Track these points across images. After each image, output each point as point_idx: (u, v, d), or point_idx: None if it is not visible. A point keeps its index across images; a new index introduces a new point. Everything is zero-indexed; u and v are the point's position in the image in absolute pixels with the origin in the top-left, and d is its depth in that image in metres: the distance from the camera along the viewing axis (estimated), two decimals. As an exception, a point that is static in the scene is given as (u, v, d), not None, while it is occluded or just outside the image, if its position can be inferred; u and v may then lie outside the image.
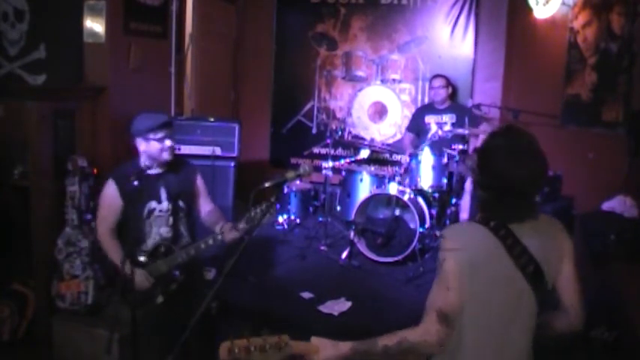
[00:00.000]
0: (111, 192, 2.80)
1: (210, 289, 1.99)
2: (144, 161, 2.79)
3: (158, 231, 2.83)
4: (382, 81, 5.82)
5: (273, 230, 5.11)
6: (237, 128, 4.59)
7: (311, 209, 5.44)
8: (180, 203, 2.89)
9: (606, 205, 3.38)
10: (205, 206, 3.00)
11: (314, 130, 6.11)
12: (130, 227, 2.81)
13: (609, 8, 3.87)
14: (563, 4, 4.41)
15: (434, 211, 4.74)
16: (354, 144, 5.65)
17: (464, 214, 4.69)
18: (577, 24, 4.31)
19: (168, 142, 2.74)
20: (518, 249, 1.63)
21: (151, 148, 2.74)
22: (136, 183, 2.61)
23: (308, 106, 6.11)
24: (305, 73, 6.06)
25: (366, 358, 1.62)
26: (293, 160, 6.13)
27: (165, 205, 2.83)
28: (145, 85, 4.65)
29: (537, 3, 4.63)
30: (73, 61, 4.18)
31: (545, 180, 1.68)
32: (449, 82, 5.12)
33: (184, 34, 5.35)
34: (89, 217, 3.67)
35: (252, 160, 5.88)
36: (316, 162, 5.77)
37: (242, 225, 2.61)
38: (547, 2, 4.50)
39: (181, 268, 2.79)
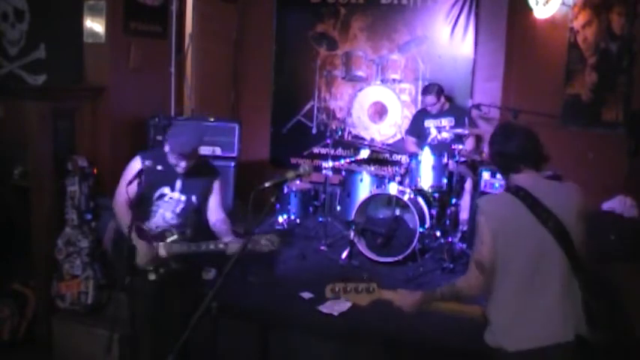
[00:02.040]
0: (134, 166, 2.99)
1: (210, 289, 2.00)
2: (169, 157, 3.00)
3: (163, 214, 3.02)
4: (382, 81, 5.82)
5: (273, 230, 5.11)
6: (237, 128, 4.59)
7: (311, 209, 5.43)
8: (194, 199, 3.06)
9: (606, 205, 3.37)
10: (215, 213, 3.12)
11: (314, 130, 6.10)
12: (139, 203, 2.99)
13: (609, 8, 3.88)
14: (563, 4, 4.41)
15: (434, 211, 4.73)
16: (354, 144, 5.65)
17: (464, 214, 4.69)
18: (577, 24, 4.32)
19: (183, 164, 2.95)
20: (538, 208, 2.05)
21: (171, 159, 2.97)
22: (159, 167, 2.92)
23: (308, 106, 6.11)
24: (305, 73, 6.06)
25: (431, 303, 2.21)
26: (293, 160, 6.13)
27: (177, 194, 3.03)
28: (145, 85, 4.65)
29: (537, 3, 4.63)
30: (73, 61, 4.18)
31: (536, 150, 2.16)
32: (441, 91, 5.03)
33: (184, 34, 5.35)
34: (89, 217, 3.68)
35: (252, 160, 5.88)
36: (316, 162, 5.77)
37: (247, 244, 2.73)
38: (547, 2, 4.50)
39: (178, 260, 2.92)
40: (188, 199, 3.05)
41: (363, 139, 5.73)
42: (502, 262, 2.06)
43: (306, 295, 3.73)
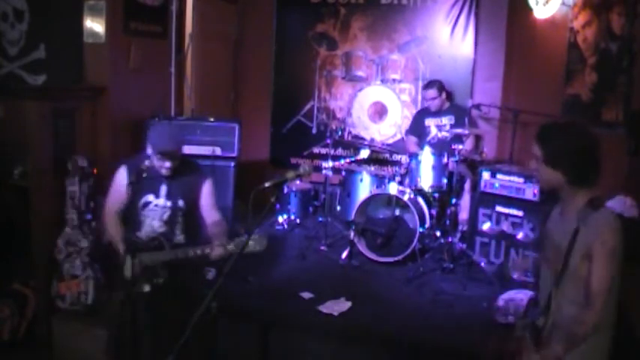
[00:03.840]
0: (120, 178, 2.99)
1: (210, 289, 2.00)
2: (151, 161, 2.93)
3: (151, 223, 2.97)
4: (382, 81, 5.82)
5: (273, 230, 5.11)
6: (237, 128, 4.59)
7: (311, 209, 5.44)
8: (180, 203, 2.98)
9: (606, 205, 3.37)
10: (209, 215, 3.05)
11: (314, 130, 6.11)
12: (128, 213, 2.98)
13: (609, 8, 3.87)
14: (563, 4, 4.40)
15: (434, 211, 4.73)
16: (354, 144, 5.65)
17: (464, 214, 4.69)
18: (577, 24, 4.31)
19: (167, 164, 2.89)
20: None
21: (154, 161, 2.91)
22: (143, 175, 2.85)
23: (308, 106, 6.11)
24: (305, 73, 6.06)
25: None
26: (293, 160, 6.13)
27: (162, 201, 2.97)
28: (145, 85, 4.65)
29: (537, 3, 4.63)
30: (73, 61, 4.18)
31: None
32: (442, 88, 5.07)
33: (184, 34, 5.35)
34: (89, 217, 3.67)
35: (252, 160, 5.88)
36: (316, 162, 5.77)
37: (230, 246, 2.69)
38: (547, 2, 4.50)
39: (169, 267, 2.84)
40: (174, 204, 2.98)
41: (363, 139, 5.73)
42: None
43: (306, 295, 3.73)
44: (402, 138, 5.63)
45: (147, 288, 2.82)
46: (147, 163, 2.90)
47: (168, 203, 2.97)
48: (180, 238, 3.01)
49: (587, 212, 1.97)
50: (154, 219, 2.97)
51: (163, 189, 2.97)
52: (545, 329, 2.01)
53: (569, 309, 1.99)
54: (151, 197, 2.96)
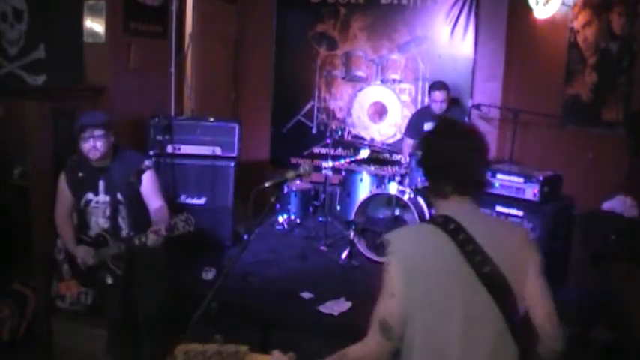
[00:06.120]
0: (61, 182, 3.08)
1: (210, 289, 2.00)
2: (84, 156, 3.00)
3: (97, 221, 3.02)
4: (382, 81, 5.82)
5: (273, 230, 5.11)
6: (237, 128, 4.59)
7: (311, 209, 5.44)
8: (119, 196, 2.99)
9: (606, 205, 3.38)
10: (152, 203, 3.05)
11: (314, 130, 6.11)
12: (76, 215, 3.07)
13: (609, 8, 3.88)
14: (563, 4, 4.41)
15: (434, 211, 4.72)
16: (354, 144, 5.65)
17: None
18: (577, 24, 4.32)
19: (92, 143, 2.90)
20: (471, 246, 1.51)
21: (81, 147, 2.94)
22: (80, 175, 2.94)
23: (308, 106, 6.11)
24: (305, 73, 6.06)
25: None
26: (293, 160, 6.13)
27: (102, 197, 3.01)
28: (145, 85, 4.65)
29: (537, 3, 4.63)
30: (73, 61, 4.18)
31: (484, 159, 1.69)
32: (449, 90, 4.98)
33: (184, 34, 5.35)
34: (89, 217, 3.67)
35: (252, 160, 5.88)
36: (316, 162, 5.77)
37: (162, 232, 2.73)
38: (547, 2, 4.51)
39: (120, 259, 2.89)
40: (113, 198, 2.99)
41: (363, 139, 5.73)
42: (419, 318, 1.54)
43: (306, 295, 3.73)
44: (402, 138, 5.62)
45: (110, 280, 2.95)
46: (82, 162, 2.98)
47: (107, 198, 2.99)
48: (125, 232, 2.99)
49: None
50: (97, 217, 3.01)
51: (101, 185, 3.00)
52: None
53: None
54: (90, 195, 3.01)
